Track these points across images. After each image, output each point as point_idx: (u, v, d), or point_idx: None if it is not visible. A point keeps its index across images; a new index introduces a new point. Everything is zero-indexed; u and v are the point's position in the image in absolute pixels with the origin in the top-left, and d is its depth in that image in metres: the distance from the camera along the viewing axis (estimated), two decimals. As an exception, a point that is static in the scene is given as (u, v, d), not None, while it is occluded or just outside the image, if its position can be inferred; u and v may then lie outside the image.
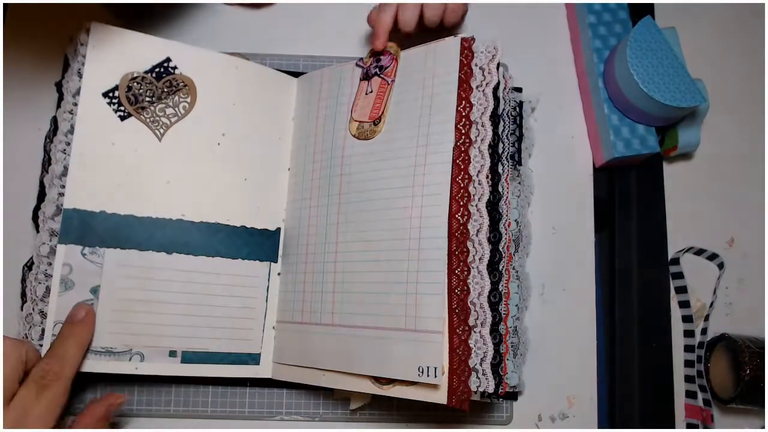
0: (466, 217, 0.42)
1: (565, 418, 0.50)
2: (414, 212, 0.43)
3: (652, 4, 0.57)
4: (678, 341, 0.53)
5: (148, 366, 0.44)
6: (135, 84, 0.46)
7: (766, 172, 0.56)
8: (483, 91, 0.44)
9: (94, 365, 0.42)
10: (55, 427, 0.38)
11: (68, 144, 0.45)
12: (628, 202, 0.54)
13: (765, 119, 0.57)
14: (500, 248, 0.43)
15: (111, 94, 0.45)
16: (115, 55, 0.46)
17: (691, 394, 0.52)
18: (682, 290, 0.53)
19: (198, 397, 0.48)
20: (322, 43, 0.55)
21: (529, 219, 0.51)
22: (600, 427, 0.51)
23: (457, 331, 0.41)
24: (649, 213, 0.54)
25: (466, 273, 0.41)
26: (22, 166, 0.50)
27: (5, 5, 0.53)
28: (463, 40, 0.44)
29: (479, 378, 0.41)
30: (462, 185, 0.42)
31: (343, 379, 0.44)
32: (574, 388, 0.51)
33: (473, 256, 0.42)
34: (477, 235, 0.42)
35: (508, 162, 0.47)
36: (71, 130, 0.45)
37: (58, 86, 0.48)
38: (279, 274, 0.49)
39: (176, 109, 0.47)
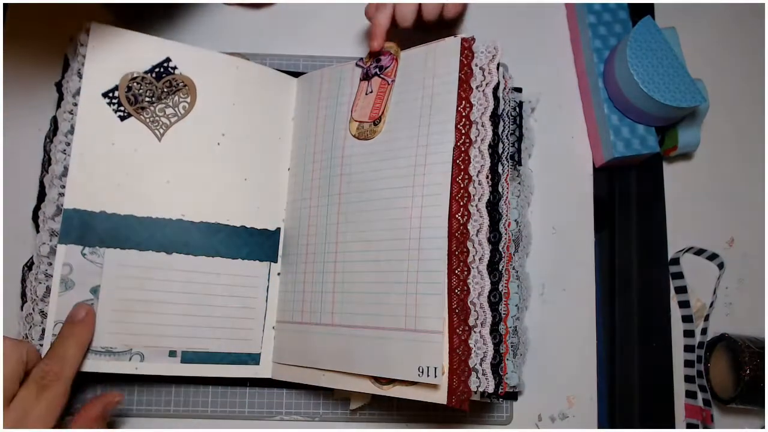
0: (466, 217, 0.42)
1: (565, 418, 0.50)
2: (414, 212, 0.43)
3: (652, 4, 0.57)
4: (678, 341, 0.53)
5: (148, 366, 0.44)
6: (135, 84, 0.46)
7: (766, 172, 0.56)
8: (483, 91, 0.44)
9: (94, 365, 0.42)
10: (55, 427, 0.38)
11: (68, 144, 0.45)
12: (628, 202, 0.54)
13: (765, 119, 0.57)
14: (500, 248, 0.43)
15: (111, 94, 0.45)
16: (114, 56, 0.46)
17: (691, 394, 0.52)
18: (682, 290, 0.53)
19: (198, 397, 0.48)
20: (322, 43, 0.55)
21: (529, 219, 0.51)
22: (600, 427, 0.51)
23: (457, 331, 0.41)
24: (649, 213, 0.54)
25: (466, 273, 0.41)
26: (22, 166, 0.50)
27: (5, 5, 0.53)
28: (463, 40, 0.44)
29: (479, 378, 0.41)
30: (462, 185, 0.42)
31: (343, 379, 0.44)
32: (574, 388, 0.51)
33: (473, 256, 0.42)
34: (477, 235, 0.42)
35: (508, 162, 0.47)
36: (71, 131, 0.45)
37: (58, 86, 0.48)
38: (279, 274, 0.49)
39: (176, 109, 0.47)
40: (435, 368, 0.39)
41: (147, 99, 0.46)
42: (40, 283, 0.43)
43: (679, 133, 0.52)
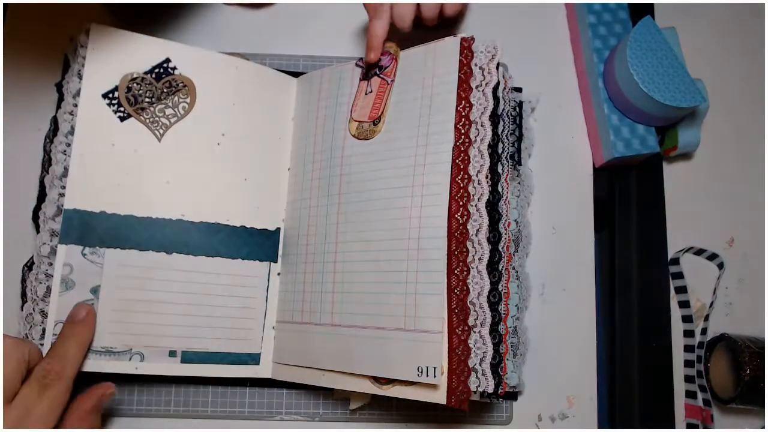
0: (465, 217, 0.42)
1: (565, 418, 0.50)
2: (413, 212, 0.43)
3: (652, 4, 0.57)
4: (678, 341, 0.53)
5: (148, 366, 0.44)
6: (135, 85, 0.46)
7: (766, 172, 0.56)
8: (483, 91, 0.44)
9: (94, 365, 0.42)
10: (56, 426, 0.38)
11: (68, 145, 0.45)
12: (628, 202, 0.54)
13: (765, 119, 0.57)
14: (500, 248, 0.43)
15: (111, 95, 0.45)
16: (114, 56, 0.46)
17: (691, 394, 0.52)
18: (682, 290, 0.53)
19: (198, 397, 0.48)
20: (322, 43, 0.55)
21: (528, 219, 0.51)
22: (600, 427, 0.51)
23: (457, 331, 0.41)
24: (649, 213, 0.54)
25: (465, 273, 0.41)
26: (22, 166, 0.50)
27: (5, 5, 0.53)
28: (462, 39, 0.44)
29: (479, 378, 0.41)
30: (461, 185, 0.42)
31: (342, 379, 0.44)
32: (574, 388, 0.51)
33: (473, 256, 0.42)
34: (476, 235, 0.42)
35: (507, 162, 0.47)
36: (71, 131, 0.45)
37: (58, 87, 0.48)
38: (279, 274, 0.49)
39: (176, 109, 0.47)
40: (434, 368, 0.39)
41: (147, 99, 0.46)
42: (40, 283, 0.43)
43: (679, 133, 0.52)
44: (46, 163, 0.47)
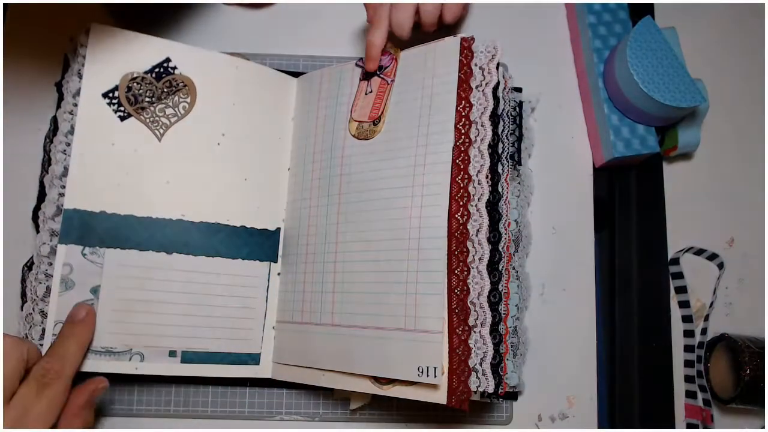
0: (465, 217, 0.42)
1: (565, 418, 0.50)
2: (414, 212, 0.43)
3: (652, 4, 0.57)
4: (678, 341, 0.53)
5: (148, 366, 0.44)
6: (135, 84, 0.46)
7: (766, 172, 0.56)
8: (483, 91, 0.44)
9: (94, 365, 0.42)
10: (54, 425, 0.38)
11: (68, 144, 0.45)
12: (628, 202, 0.54)
13: (765, 119, 0.57)
14: (500, 248, 0.43)
15: (111, 95, 0.45)
16: (114, 56, 0.46)
17: (691, 394, 0.52)
18: (682, 290, 0.53)
19: (198, 397, 0.48)
20: (322, 43, 0.55)
21: (529, 219, 0.51)
22: (600, 427, 0.51)
23: (457, 331, 0.41)
24: (649, 213, 0.54)
25: (465, 273, 0.41)
26: (22, 166, 0.50)
27: (5, 5, 0.53)
28: (462, 40, 0.44)
29: (479, 378, 0.41)
30: (462, 185, 0.42)
31: (342, 379, 0.44)
32: (574, 388, 0.51)
33: (473, 256, 0.42)
34: (477, 235, 0.42)
35: (507, 162, 0.47)
36: (71, 131, 0.45)
37: (58, 86, 0.48)
38: (279, 274, 0.49)
39: (176, 109, 0.47)
40: (435, 368, 0.39)
41: (147, 99, 0.46)
42: (40, 283, 0.43)
43: (679, 133, 0.52)
44: (46, 162, 0.47)
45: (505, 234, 0.45)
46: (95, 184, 0.44)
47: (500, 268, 0.43)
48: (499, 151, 0.44)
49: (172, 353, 0.45)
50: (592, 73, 0.53)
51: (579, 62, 0.56)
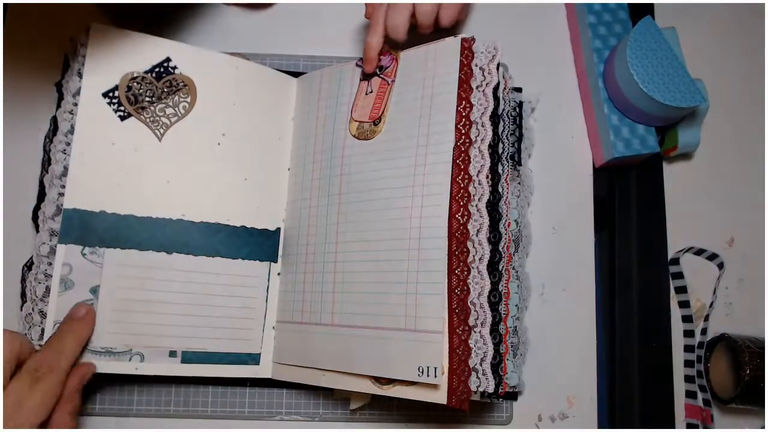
0: (466, 217, 0.42)
1: (565, 418, 0.50)
2: (414, 212, 0.43)
3: (652, 4, 0.57)
4: (678, 341, 0.53)
5: (148, 366, 0.44)
6: (135, 84, 0.46)
7: (766, 172, 0.56)
8: (483, 91, 0.44)
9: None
10: (49, 417, 0.38)
11: (68, 144, 0.45)
12: (628, 202, 0.54)
13: (765, 119, 0.57)
14: (500, 248, 0.43)
15: (111, 94, 0.45)
16: (114, 56, 0.46)
17: (691, 394, 0.52)
18: (682, 290, 0.53)
19: (198, 397, 0.48)
20: (322, 43, 0.55)
21: (529, 219, 0.51)
22: (600, 427, 0.51)
23: (457, 331, 0.41)
24: (649, 213, 0.54)
25: (466, 273, 0.41)
26: (22, 166, 0.50)
27: (5, 5, 0.53)
28: (463, 40, 0.44)
29: (479, 378, 0.41)
30: (462, 185, 0.42)
31: (343, 379, 0.44)
32: (574, 388, 0.51)
33: (473, 256, 0.42)
34: (477, 235, 0.42)
35: (508, 162, 0.47)
36: (71, 130, 0.45)
37: (58, 86, 0.48)
38: (279, 274, 0.49)
39: (176, 109, 0.47)
40: (435, 368, 0.39)
41: (147, 99, 0.46)
42: (39, 283, 0.43)
43: (679, 133, 0.52)
44: (46, 162, 0.47)
45: (505, 234, 0.45)
46: (95, 183, 0.44)
47: (500, 268, 0.43)
48: (500, 152, 0.44)
49: (172, 353, 0.45)
50: (592, 73, 0.53)
51: (579, 62, 0.56)
